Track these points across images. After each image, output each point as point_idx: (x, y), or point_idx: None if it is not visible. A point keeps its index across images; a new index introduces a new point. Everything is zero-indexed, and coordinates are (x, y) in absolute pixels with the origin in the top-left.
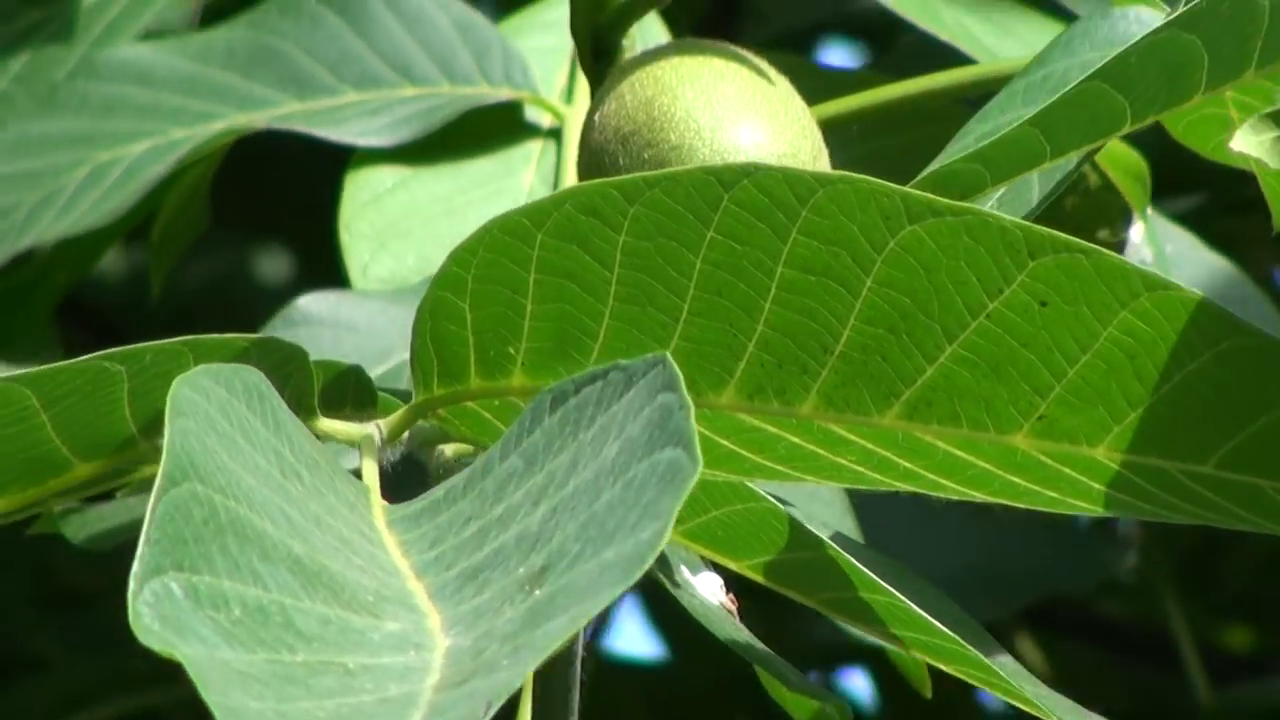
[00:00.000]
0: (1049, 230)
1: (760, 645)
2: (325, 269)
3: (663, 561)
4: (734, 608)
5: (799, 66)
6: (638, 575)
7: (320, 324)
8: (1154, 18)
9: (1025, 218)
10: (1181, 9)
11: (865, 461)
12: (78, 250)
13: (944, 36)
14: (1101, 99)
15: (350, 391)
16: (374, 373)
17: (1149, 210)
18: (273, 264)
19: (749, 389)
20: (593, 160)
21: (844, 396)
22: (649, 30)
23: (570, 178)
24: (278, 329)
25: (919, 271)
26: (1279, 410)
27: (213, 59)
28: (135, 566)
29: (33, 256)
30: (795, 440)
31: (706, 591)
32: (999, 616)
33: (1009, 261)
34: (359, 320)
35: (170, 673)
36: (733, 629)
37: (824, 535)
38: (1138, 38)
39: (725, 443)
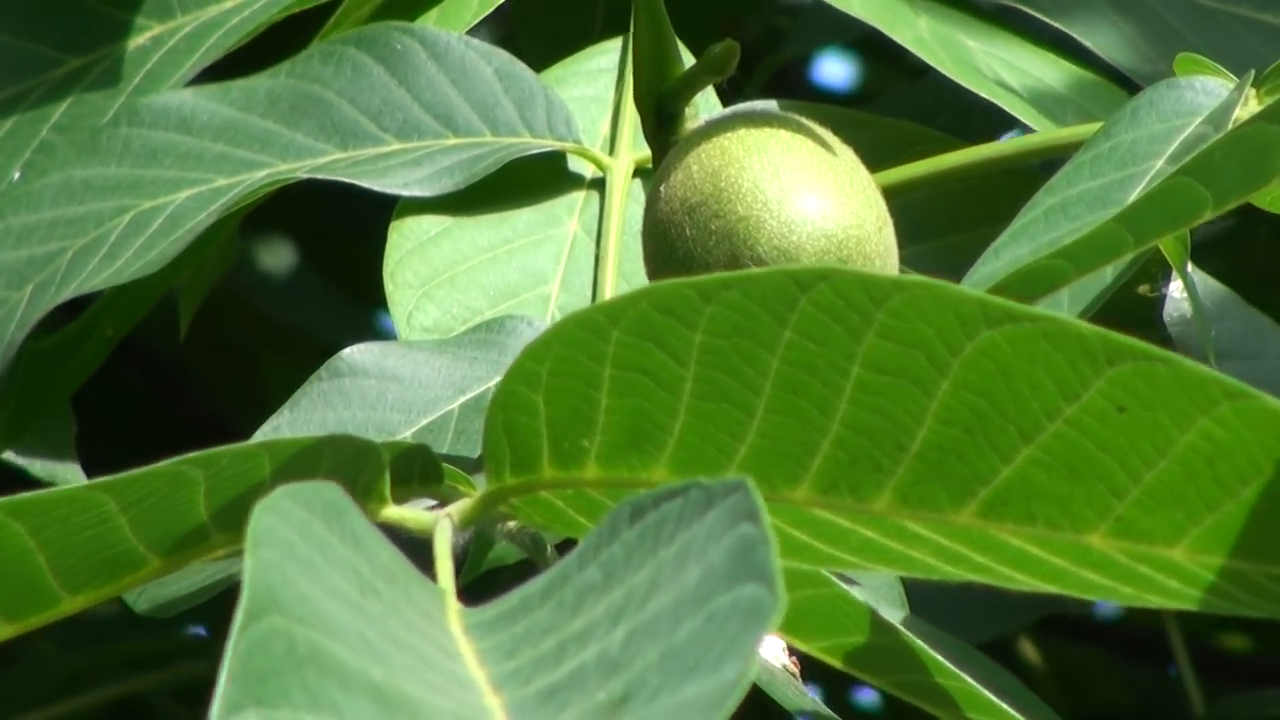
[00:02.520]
0: (1127, 338)
1: (828, 711)
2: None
3: None
4: (796, 670)
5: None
6: (721, 716)
7: (366, 375)
8: (1219, 87)
9: (1101, 295)
10: (1268, 105)
11: (938, 555)
12: (125, 303)
13: (917, 51)
14: (1186, 192)
15: (417, 468)
16: (419, 424)
17: (1189, 265)
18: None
19: (823, 485)
20: (659, 230)
21: (919, 494)
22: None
23: (614, 230)
24: (323, 379)
25: (996, 375)
26: None
27: (254, 106)
28: (215, 705)
29: (80, 309)
30: (868, 534)
31: (769, 655)
32: (1003, 632)
33: (1086, 368)
34: (403, 371)
35: (159, 658)
36: (797, 694)
37: (895, 620)
38: (1204, 110)
39: (798, 534)
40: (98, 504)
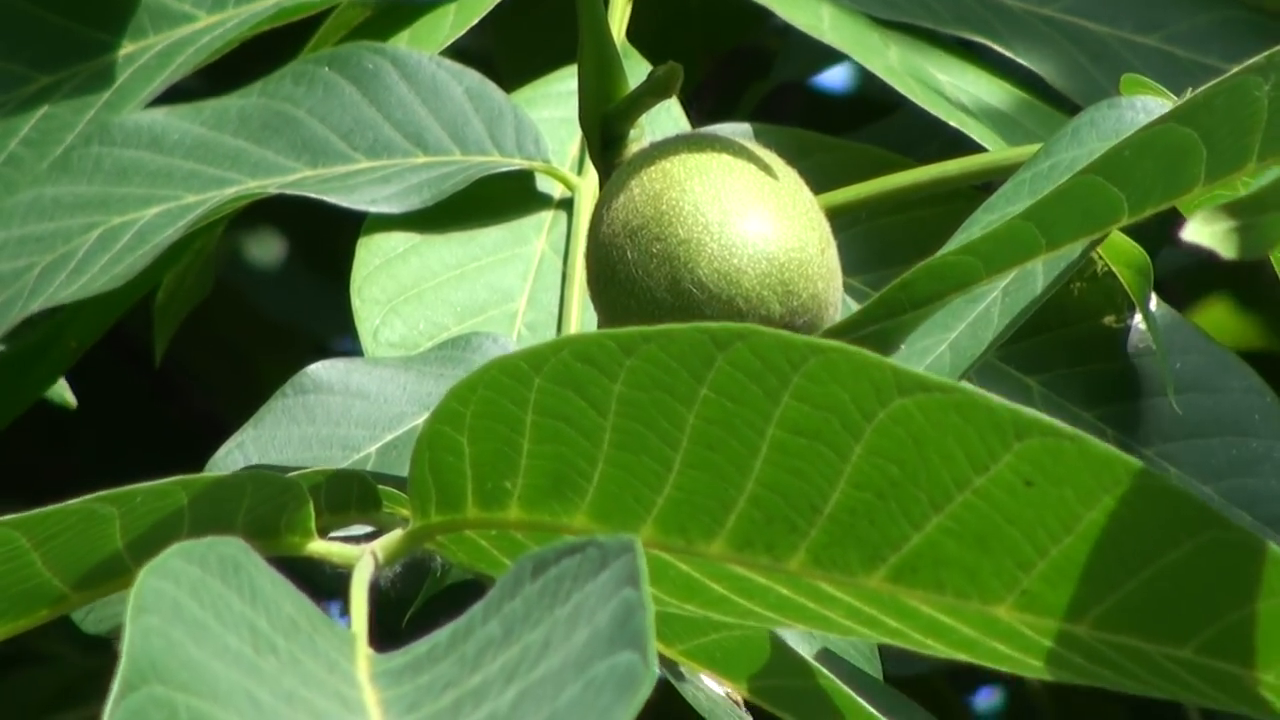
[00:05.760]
0: (1035, 414)
1: None
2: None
3: (664, 659)
4: (739, 698)
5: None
6: None
7: (331, 391)
8: (1160, 107)
9: (1030, 306)
10: (1178, 104)
11: (853, 617)
12: (89, 315)
13: (888, 79)
14: (1097, 192)
15: (354, 494)
16: (384, 439)
17: (1152, 299)
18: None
19: (739, 541)
20: (600, 253)
21: (831, 556)
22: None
23: (581, 249)
24: (288, 395)
25: (908, 442)
26: (1255, 603)
27: (226, 125)
28: None
29: (44, 320)
30: (784, 591)
31: (712, 684)
32: None
33: (995, 441)
34: (369, 387)
35: None
36: None
37: (809, 655)
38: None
39: (717, 587)
40: (8, 540)
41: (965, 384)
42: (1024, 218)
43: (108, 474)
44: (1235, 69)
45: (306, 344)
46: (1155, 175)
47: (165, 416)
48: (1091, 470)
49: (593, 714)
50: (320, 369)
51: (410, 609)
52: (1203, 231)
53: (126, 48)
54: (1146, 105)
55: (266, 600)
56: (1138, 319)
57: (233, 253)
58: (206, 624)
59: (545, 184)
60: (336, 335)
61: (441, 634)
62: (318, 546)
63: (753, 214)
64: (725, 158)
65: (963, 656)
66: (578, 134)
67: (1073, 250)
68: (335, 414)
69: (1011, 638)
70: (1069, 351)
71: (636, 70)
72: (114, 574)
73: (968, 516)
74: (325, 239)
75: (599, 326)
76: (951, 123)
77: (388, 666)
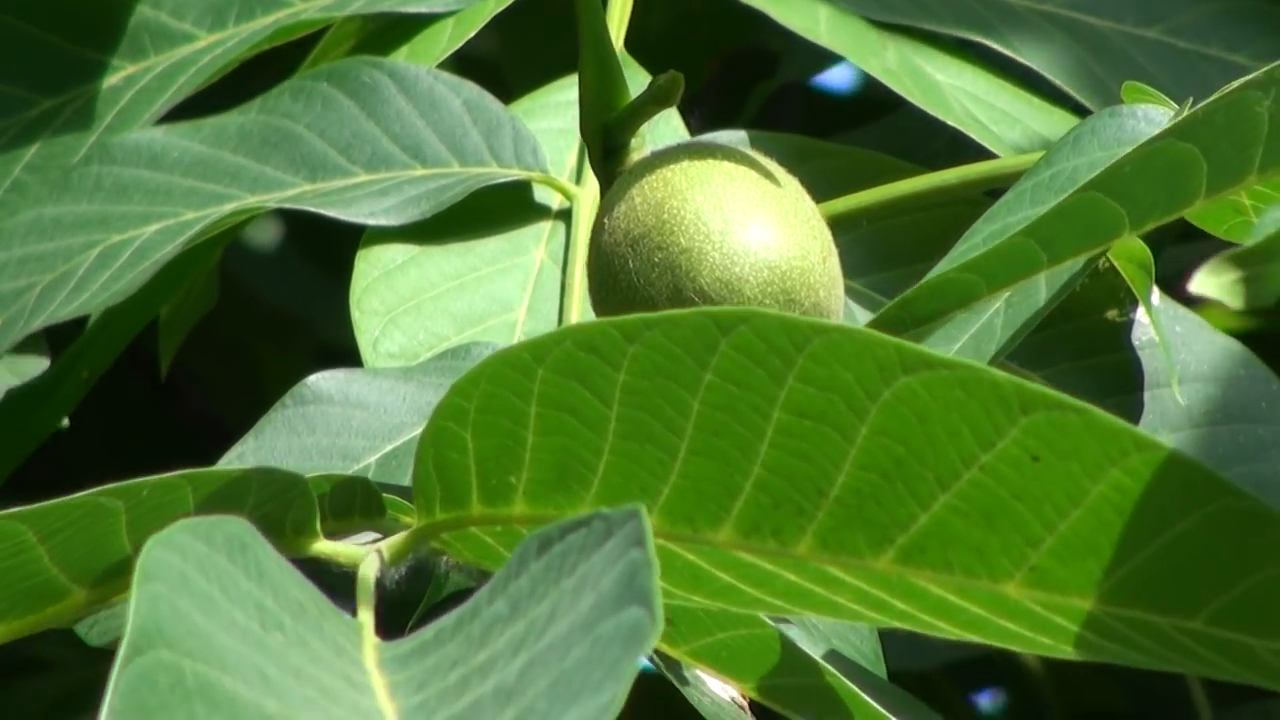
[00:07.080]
0: (1041, 388)
1: None
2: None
3: (669, 661)
4: (745, 703)
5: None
6: None
7: (330, 402)
8: (1162, 116)
9: (1033, 318)
10: (1177, 118)
11: (861, 601)
12: (100, 345)
13: (885, 80)
14: (1097, 208)
15: (358, 500)
16: (384, 450)
17: (1156, 292)
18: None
19: (746, 527)
20: (603, 263)
21: (839, 539)
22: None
23: (580, 259)
24: (288, 405)
25: (913, 421)
26: (1266, 571)
27: (225, 142)
28: None
29: (56, 354)
30: (792, 578)
31: (717, 687)
32: None
33: (1001, 416)
34: (369, 398)
35: None
36: None
37: (818, 655)
38: (1144, 138)
39: (724, 576)
40: (14, 533)
41: (970, 359)
42: (1025, 234)
43: (107, 472)
44: (1235, 84)
45: (304, 330)
46: (1156, 190)
47: (165, 414)
48: (1098, 443)
49: (600, 669)
50: (320, 380)
51: (416, 613)
52: (1209, 283)
53: (127, 69)
54: (1148, 114)
55: (273, 581)
56: (1141, 312)
57: (235, 253)
58: (213, 597)
59: (543, 194)
60: (333, 323)
61: (447, 619)
62: (324, 546)
63: (754, 222)
64: (727, 166)
65: (972, 637)
66: (576, 144)
67: (1075, 263)
68: (335, 425)
69: (1021, 616)
70: (1072, 346)
71: (635, 78)
72: (120, 570)
73: (975, 494)
74: (322, 226)
75: None
76: (950, 122)
77: (395, 653)
